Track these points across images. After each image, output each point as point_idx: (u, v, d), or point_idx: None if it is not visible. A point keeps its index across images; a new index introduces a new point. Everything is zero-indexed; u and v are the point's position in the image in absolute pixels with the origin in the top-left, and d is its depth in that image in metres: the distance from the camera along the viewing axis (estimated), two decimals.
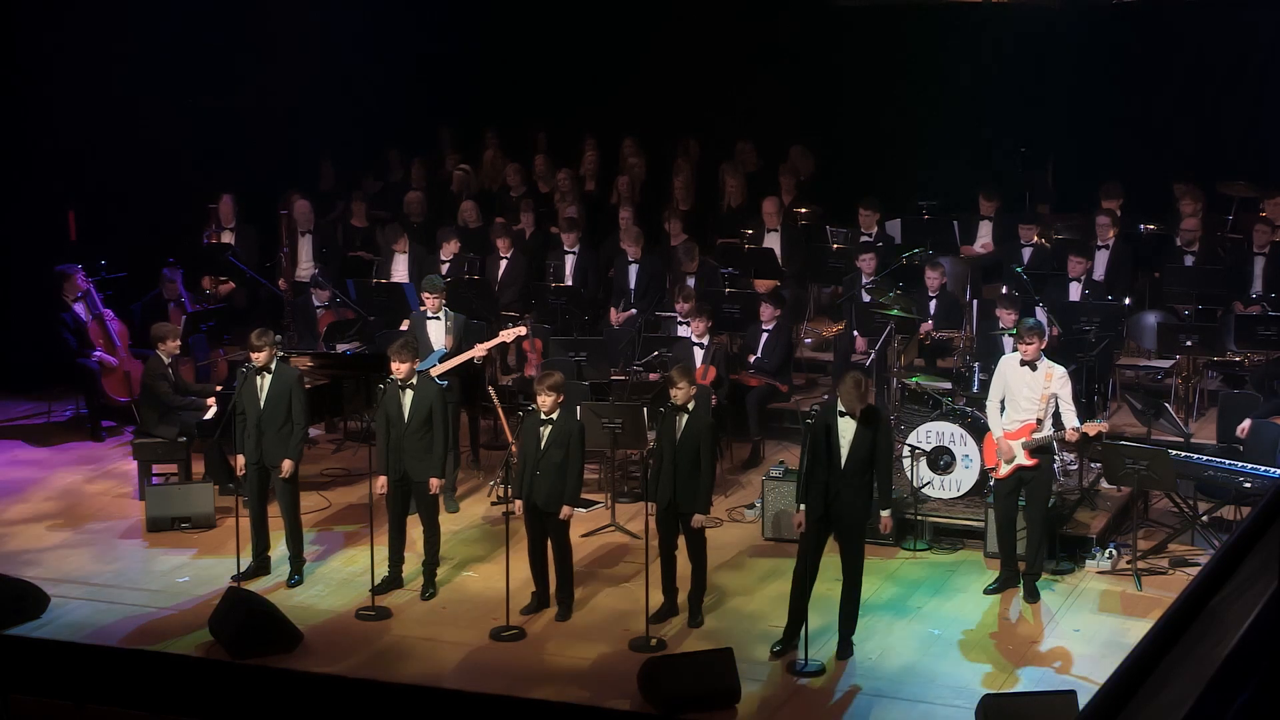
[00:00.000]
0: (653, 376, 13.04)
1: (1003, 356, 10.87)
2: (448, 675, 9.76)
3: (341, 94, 18.09)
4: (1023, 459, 10.47)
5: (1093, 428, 10.50)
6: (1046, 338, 10.70)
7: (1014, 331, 11.18)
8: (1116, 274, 14.47)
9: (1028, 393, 10.50)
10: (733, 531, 11.95)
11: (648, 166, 17.76)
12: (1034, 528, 10.59)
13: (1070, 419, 10.43)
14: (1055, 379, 10.48)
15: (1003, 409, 10.65)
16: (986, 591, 10.72)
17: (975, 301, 14.51)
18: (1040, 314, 13.65)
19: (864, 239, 15.62)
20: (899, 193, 16.51)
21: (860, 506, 9.64)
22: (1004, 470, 10.58)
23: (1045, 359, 10.56)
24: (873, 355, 13.38)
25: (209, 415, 12.56)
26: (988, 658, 9.80)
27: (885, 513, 9.81)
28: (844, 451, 9.57)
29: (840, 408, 9.63)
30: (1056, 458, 11.80)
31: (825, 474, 9.56)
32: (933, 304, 13.95)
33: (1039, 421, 10.46)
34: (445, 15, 18.62)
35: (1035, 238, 15.09)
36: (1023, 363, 10.52)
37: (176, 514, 12.14)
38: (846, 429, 9.58)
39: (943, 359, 13.61)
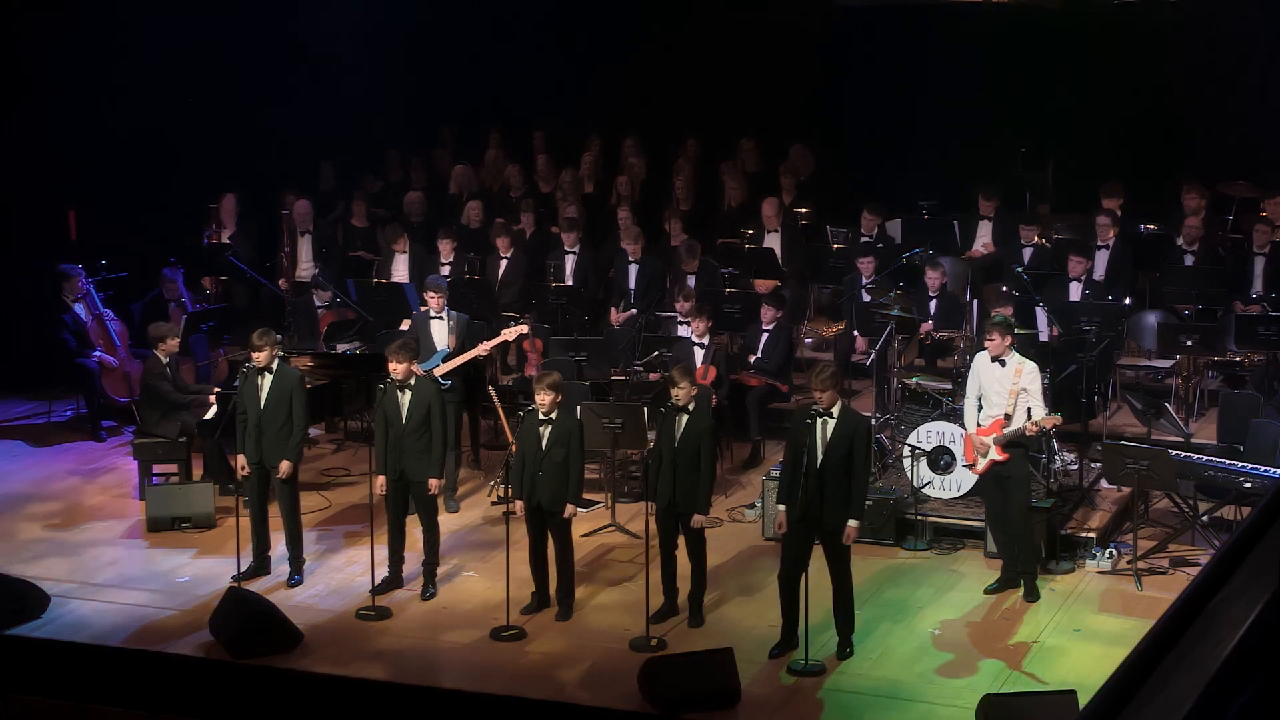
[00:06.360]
0: (653, 376, 13.04)
1: (977, 354, 10.90)
2: (448, 675, 9.77)
3: (341, 94, 18.09)
4: (995, 454, 10.51)
5: (1048, 421, 10.53)
6: (1011, 335, 10.70)
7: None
8: (1116, 274, 14.47)
9: (998, 388, 10.57)
10: (733, 531, 11.95)
11: (648, 166, 17.76)
12: (1019, 526, 10.60)
13: (1037, 413, 10.46)
14: (1025, 374, 10.53)
15: (982, 406, 10.70)
16: (987, 591, 10.73)
17: (975, 301, 14.51)
18: (1040, 314, 13.68)
19: (864, 240, 15.62)
20: (899, 193, 16.51)
21: (839, 508, 9.58)
22: (980, 466, 10.64)
23: (1017, 354, 10.60)
24: (873, 355, 13.38)
25: (209, 415, 12.57)
26: (988, 657, 9.79)
27: (852, 523, 9.60)
28: (820, 451, 9.57)
29: (817, 406, 9.63)
30: (1057, 457, 11.82)
31: (804, 474, 9.54)
32: (933, 304, 13.95)
33: (1008, 416, 10.48)
34: (446, 15, 18.61)
35: (1035, 238, 15.09)
36: (993, 359, 10.56)
37: (176, 514, 12.14)
38: (825, 428, 9.59)
39: (943, 359, 13.59)
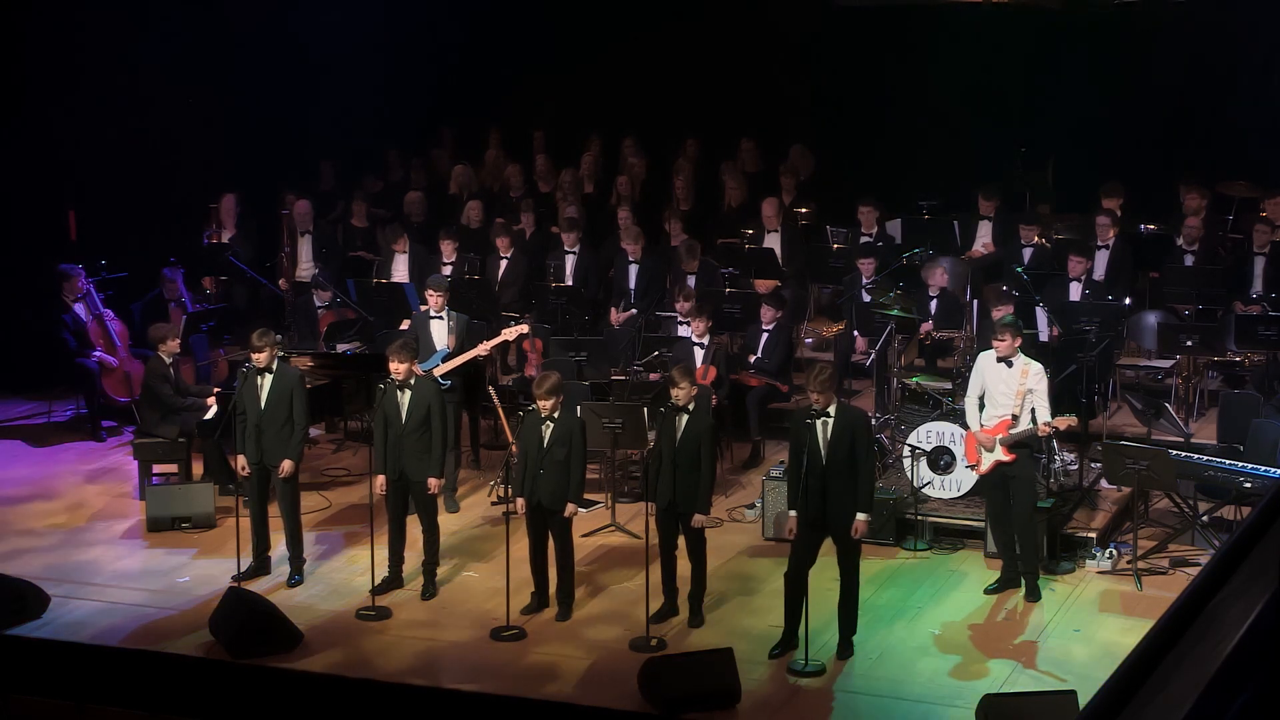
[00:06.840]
0: (653, 376, 13.04)
1: (980, 353, 10.89)
2: (448, 675, 9.76)
3: (341, 94, 18.09)
4: (1000, 454, 10.51)
5: (1062, 421, 10.53)
6: (1021, 336, 10.71)
7: None
8: (1116, 274, 14.47)
9: (1004, 389, 10.56)
10: (733, 531, 11.95)
11: (648, 166, 17.76)
12: (1022, 526, 10.60)
13: (1043, 414, 10.46)
14: (1031, 375, 10.52)
15: (983, 406, 10.70)
16: (987, 591, 10.73)
17: (975, 301, 14.51)
18: (1040, 314, 13.67)
19: (864, 239, 15.62)
20: (899, 193, 16.51)
21: (846, 504, 9.59)
22: (984, 466, 10.63)
23: (1022, 355, 10.60)
24: (873, 355, 13.38)
25: (209, 415, 12.57)
26: (988, 657, 9.79)
27: (862, 516, 9.63)
28: (823, 452, 9.57)
29: (815, 408, 9.62)
30: (1057, 457, 11.82)
31: (810, 475, 9.54)
32: (933, 304, 13.95)
33: (1015, 417, 10.49)
34: (446, 15, 18.62)
35: (1035, 238, 15.09)
36: (999, 359, 10.56)
37: (176, 514, 12.14)
38: (825, 428, 9.59)
39: (943, 359, 13.60)
